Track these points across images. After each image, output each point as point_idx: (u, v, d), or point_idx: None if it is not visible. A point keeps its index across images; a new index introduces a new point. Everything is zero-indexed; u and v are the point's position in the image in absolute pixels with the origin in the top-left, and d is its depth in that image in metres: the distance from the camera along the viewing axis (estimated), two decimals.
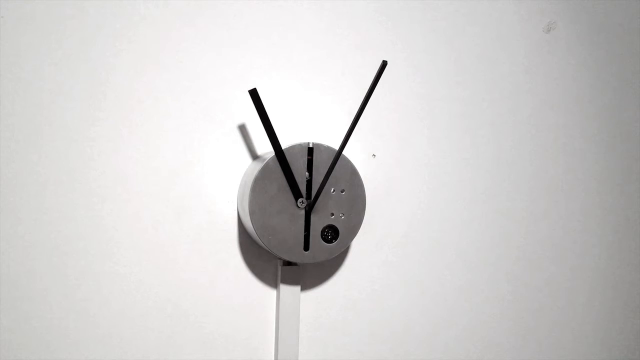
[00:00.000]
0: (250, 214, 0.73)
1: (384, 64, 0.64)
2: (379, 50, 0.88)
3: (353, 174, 0.78)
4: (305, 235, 0.76)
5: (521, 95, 0.97)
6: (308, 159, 0.76)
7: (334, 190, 0.77)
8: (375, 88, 0.68)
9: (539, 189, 1.00)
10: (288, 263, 0.82)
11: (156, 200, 0.78)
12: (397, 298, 0.90)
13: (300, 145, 0.75)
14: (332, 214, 0.77)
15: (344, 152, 0.77)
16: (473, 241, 0.95)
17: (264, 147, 0.82)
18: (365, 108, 0.86)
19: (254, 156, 0.82)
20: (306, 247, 0.76)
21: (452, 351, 0.94)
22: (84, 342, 0.75)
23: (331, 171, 0.73)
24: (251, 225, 0.74)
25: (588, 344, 1.05)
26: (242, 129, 0.82)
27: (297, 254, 0.76)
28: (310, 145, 0.76)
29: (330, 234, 0.77)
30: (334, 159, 0.73)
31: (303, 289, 0.85)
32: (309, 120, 0.85)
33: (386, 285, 0.89)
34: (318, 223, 0.76)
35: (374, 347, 0.89)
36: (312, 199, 0.76)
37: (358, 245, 0.87)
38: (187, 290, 0.79)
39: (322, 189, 0.74)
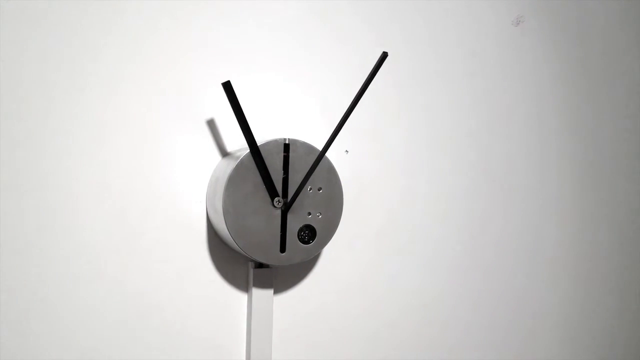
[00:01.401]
0: (224, 214, 0.69)
1: (384, 56, 0.61)
2: (355, 43, 0.85)
3: (330, 171, 0.75)
4: (281, 236, 0.72)
5: (494, 89, 0.97)
6: (284, 156, 0.72)
7: (310, 189, 0.74)
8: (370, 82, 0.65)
9: (516, 185, 1.00)
10: (260, 265, 0.78)
11: (118, 200, 0.72)
12: (373, 299, 0.88)
13: (275, 142, 0.72)
14: (309, 214, 0.74)
15: (318, 148, 0.74)
16: (450, 240, 0.94)
17: (235, 144, 0.78)
18: (339, 102, 0.84)
19: (224, 153, 0.78)
20: (282, 249, 0.72)
21: (430, 352, 0.93)
22: (50, 344, 0.69)
23: (313, 170, 0.70)
24: (224, 226, 0.69)
25: (569, 340, 1.06)
26: (211, 124, 0.77)
27: (272, 256, 0.72)
28: (287, 142, 0.72)
29: (307, 234, 0.74)
30: (317, 157, 0.70)
31: (275, 292, 0.81)
32: (281, 115, 0.81)
33: (361, 285, 0.87)
34: (294, 223, 0.73)
35: (351, 350, 0.86)
36: (288, 198, 0.72)
37: (332, 245, 0.84)
38: (153, 295, 0.74)
39: (302, 188, 0.70)
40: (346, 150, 0.85)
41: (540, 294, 1.03)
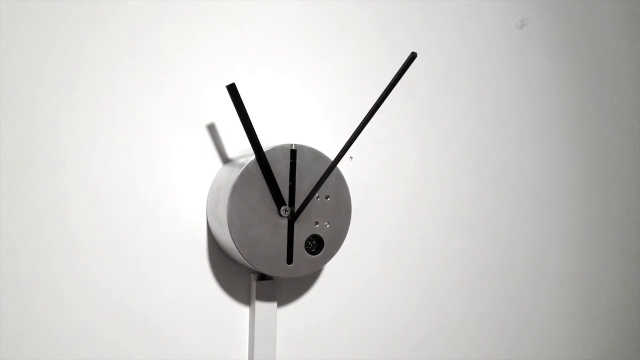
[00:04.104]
0: (228, 225, 0.65)
1: (413, 56, 0.58)
2: (361, 46, 0.83)
3: (338, 179, 0.72)
4: (288, 247, 0.69)
5: (499, 93, 0.95)
6: (291, 163, 0.69)
7: (318, 197, 0.70)
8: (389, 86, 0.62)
9: (523, 190, 0.97)
10: (262, 277, 0.75)
11: (113, 211, 0.68)
12: (380, 311, 0.85)
13: (281, 147, 0.68)
14: (317, 223, 0.70)
15: (325, 154, 0.71)
16: (457, 249, 0.91)
17: (236, 150, 0.74)
18: (345, 106, 0.81)
19: (225, 160, 0.74)
20: (289, 260, 0.69)
21: None
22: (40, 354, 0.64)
23: (325, 178, 0.66)
24: (229, 237, 0.65)
25: (570, 345, 1.04)
26: (212, 129, 0.73)
27: (279, 268, 0.68)
28: (293, 147, 0.69)
29: (315, 244, 0.70)
30: (330, 165, 0.67)
31: (278, 304, 0.78)
32: (284, 119, 0.78)
33: (367, 297, 0.84)
34: (301, 233, 0.69)
35: None
36: (295, 207, 0.68)
37: (337, 255, 0.80)
38: (151, 309, 0.70)
39: (312, 197, 0.67)
40: (350, 157, 0.82)
41: (548, 297, 1.01)
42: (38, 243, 0.64)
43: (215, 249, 0.74)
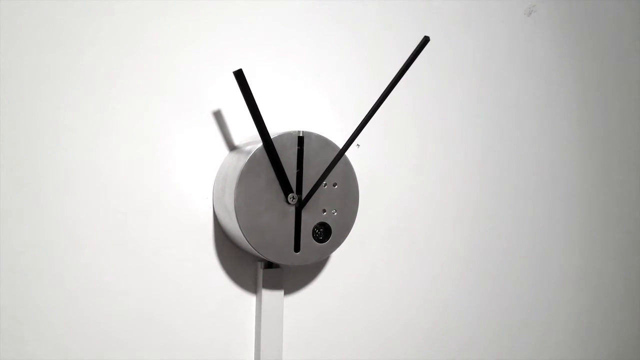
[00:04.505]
0: (236, 212, 0.64)
1: (426, 40, 0.57)
2: (367, 34, 0.82)
3: (346, 166, 0.71)
4: (295, 235, 0.68)
5: (506, 82, 0.94)
6: (298, 150, 0.68)
7: (325, 185, 0.70)
8: (396, 73, 0.62)
9: (527, 182, 0.97)
10: (269, 265, 0.74)
11: (121, 197, 0.67)
12: (386, 300, 0.84)
13: (289, 134, 0.67)
14: (324, 211, 0.70)
15: (333, 141, 0.70)
16: (463, 240, 0.91)
17: (243, 137, 0.74)
18: (353, 94, 0.80)
19: (232, 147, 0.73)
20: (297, 248, 0.68)
21: (442, 354, 0.89)
22: (49, 351, 0.64)
23: (334, 165, 0.66)
24: (236, 225, 0.65)
25: (572, 342, 1.04)
26: (218, 116, 0.72)
27: (286, 256, 0.68)
28: (301, 134, 0.68)
29: (322, 232, 0.70)
30: (339, 152, 0.66)
31: (286, 292, 0.77)
32: (291, 106, 0.77)
33: (374, 286, 0.83)
34: (308, 221, 0.69)
35: (363, 353, 0.83)
36: (303, 194, 0.68)
37: (343, 243, 0.80)
38: (158, 297, 0.70)
39: (320, 184, 0.66)
40: (357, 144, 0.81)
41: (552, 292, 1.01)
42: (43, 232, 0.64)
43: (222, 237, 0.73)
